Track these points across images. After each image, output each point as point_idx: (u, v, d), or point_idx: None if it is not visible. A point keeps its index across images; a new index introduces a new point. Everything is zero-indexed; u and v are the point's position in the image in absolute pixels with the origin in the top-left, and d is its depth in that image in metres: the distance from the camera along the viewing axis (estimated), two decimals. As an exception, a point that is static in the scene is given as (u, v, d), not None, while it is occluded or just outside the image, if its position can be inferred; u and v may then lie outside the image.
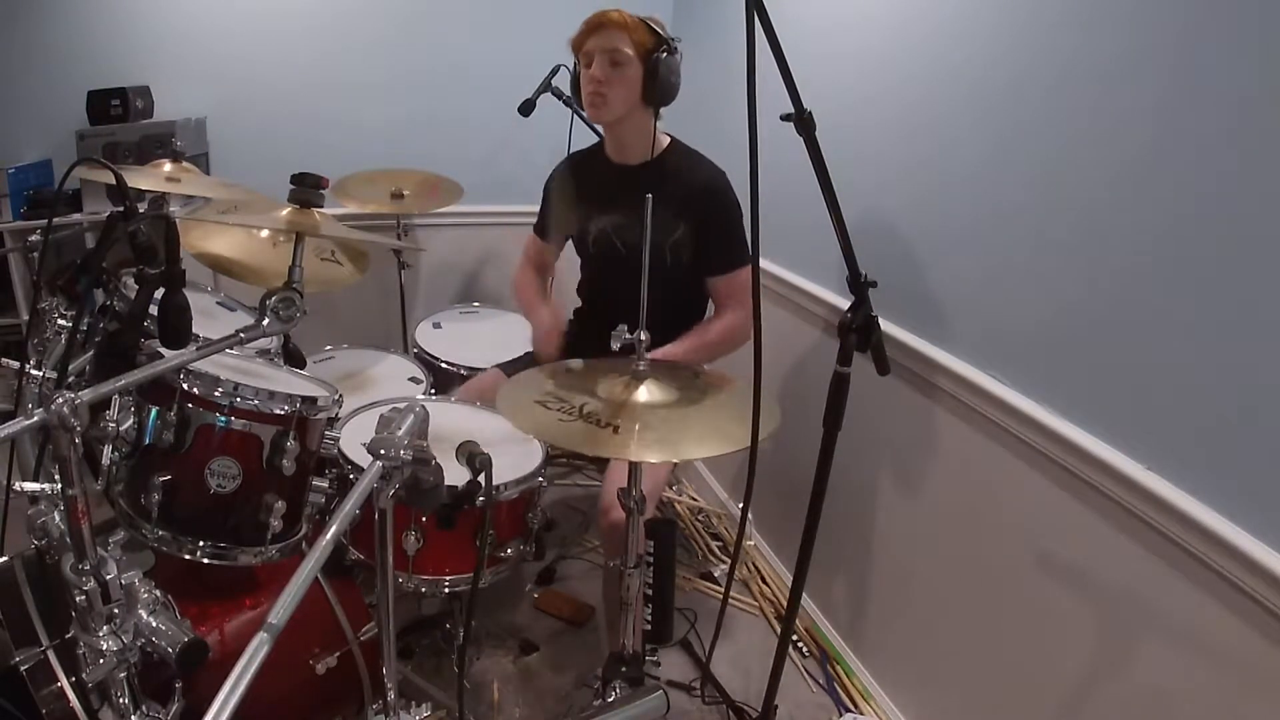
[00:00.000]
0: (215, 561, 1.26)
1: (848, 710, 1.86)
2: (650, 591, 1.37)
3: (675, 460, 1.81)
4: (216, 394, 1.22)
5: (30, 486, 1.19)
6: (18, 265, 2.29)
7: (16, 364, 1.43)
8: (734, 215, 1.77)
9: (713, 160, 1.83)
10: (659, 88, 1.71)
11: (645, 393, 1.27)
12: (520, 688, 1.88)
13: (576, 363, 1.49)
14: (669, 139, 1.86)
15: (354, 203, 2.47)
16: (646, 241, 1.27)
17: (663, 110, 1.81)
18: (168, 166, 1.93)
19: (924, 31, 1.66)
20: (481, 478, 1.10)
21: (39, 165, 2.40)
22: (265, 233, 2.04)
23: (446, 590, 1.54)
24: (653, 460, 1.20)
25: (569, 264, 2.11)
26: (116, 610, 0.96)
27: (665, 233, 1.78)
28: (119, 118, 2.32)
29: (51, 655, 1.08)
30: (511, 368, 1.95)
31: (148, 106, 2.44)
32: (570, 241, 2.03)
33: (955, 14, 1.57)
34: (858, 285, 1.23)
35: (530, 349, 2.03)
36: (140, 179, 1.70)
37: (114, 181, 1.07)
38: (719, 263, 1.80)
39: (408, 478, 0.88)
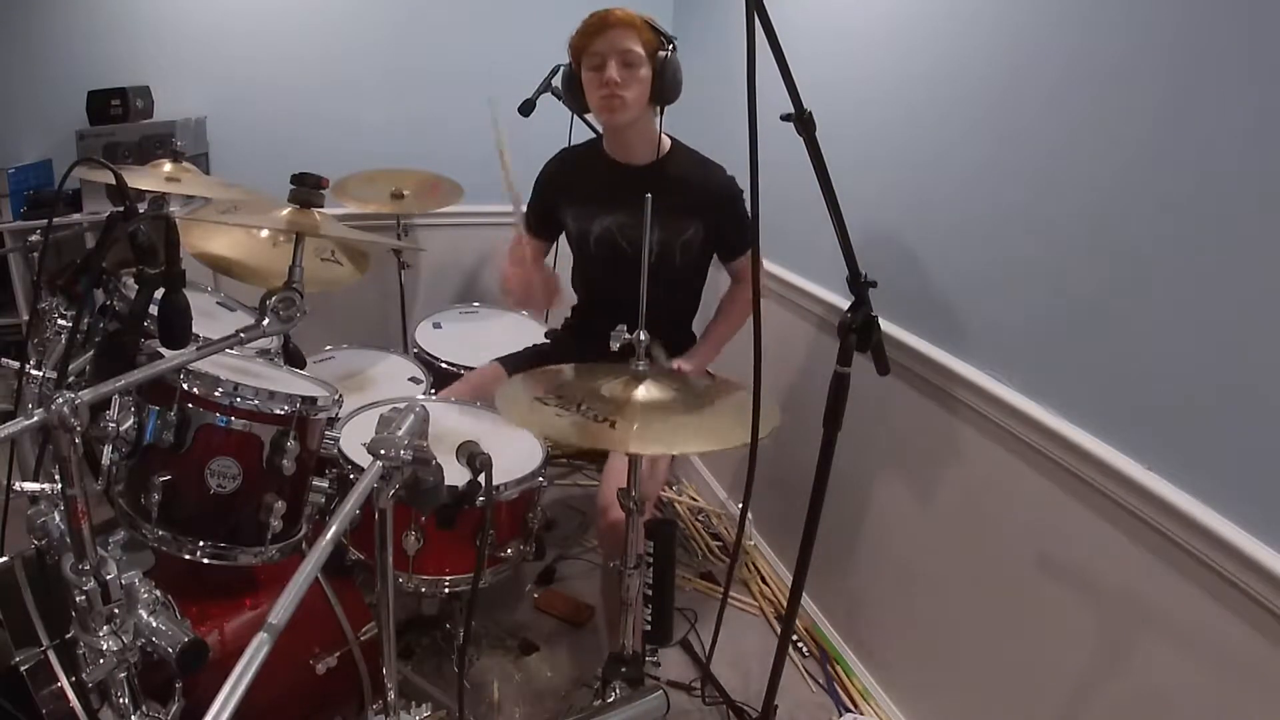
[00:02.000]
0: (215, 561, 1.26)
1: (848, 710, 1.86)
2: (650, 592, 1.37)
3: (673, 452, 1.81)
4: (216, 394, 1.22)
5: (30, 486, 1.20)
6: (18, 265, 2.29)
7: (16, 364, 1.43)
8: (744, 207, 1.80)
9: (714, 159, 1.84)
10: (666, 87, 1.70)
11: (644, 392, 1.28)
12: (520, 688, 1.88)
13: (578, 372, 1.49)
14: (670, 139, 1.86)
15: (354, 203, 2.47)
16: (646, 241, 1.27)
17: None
18: (168, 166, 1.93)
19: (924, 32, 1.66)
20: (481, 478, 1.10)
21: (39, 165, 2.41)
22: (265, 233, 2.03)
23: (446, 590, 1.54)
24: (651, 452, 1.20)
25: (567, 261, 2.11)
26: (116, 610, 0.95)
27: (675, 232, 1.79)
28: (119, 118, 2.32)
29: (51, 655, 1.08)
30: (511, 363, 1.95)
31: (148, 106, 2.44)
32: (566, 241, 2.03)
33: (955, 14, 1.57)
34: (858, 285, 1.23)
35: (536, 342, 2.04)
36: (140, 179, 1.70)
37: (114, 181, 1.07)
38: (738, 248, 1.87)
39: (408, 478, 0.88)
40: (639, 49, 1.66)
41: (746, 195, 1.05)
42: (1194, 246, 1.14)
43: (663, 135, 1.83)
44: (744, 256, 1.87)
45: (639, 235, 1.84)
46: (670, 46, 1.70)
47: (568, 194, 1.95)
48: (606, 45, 1.66)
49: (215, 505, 1.24)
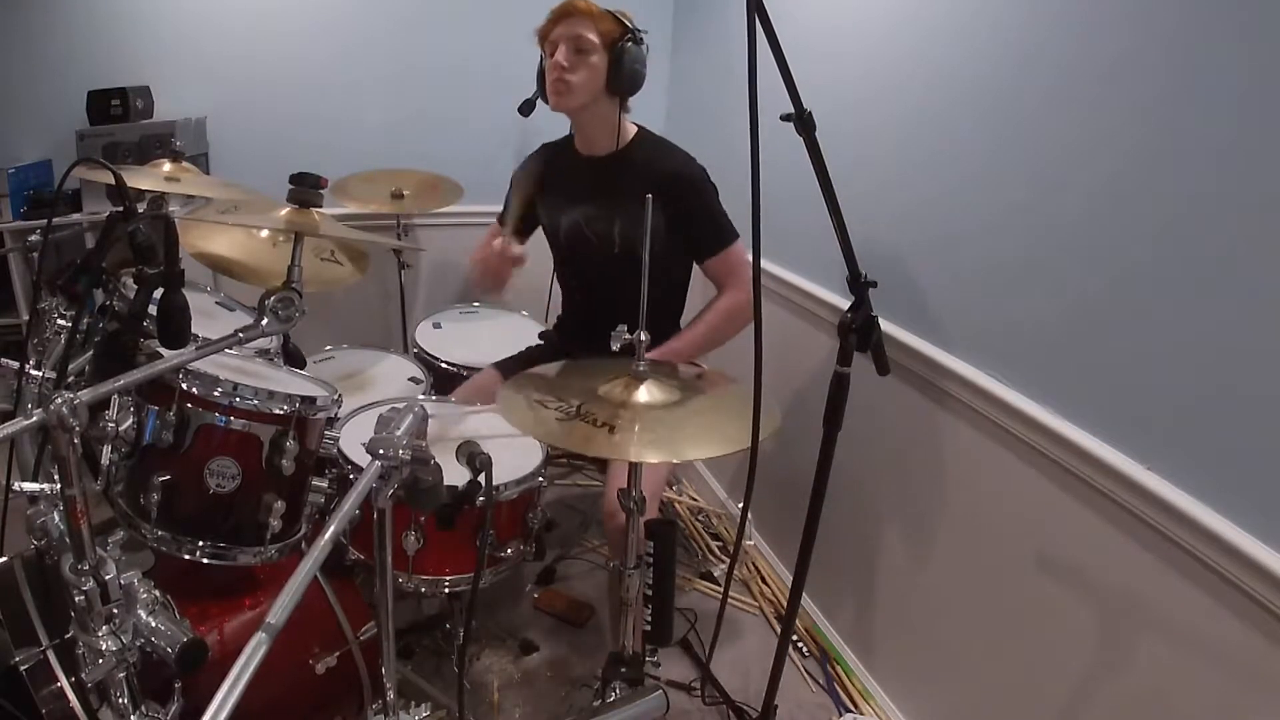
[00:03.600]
0: (215, 561, 1.26)
1: (848, 710, 1.86)
2: (650, 592, 1.37)
3: (674, 460, 1.81)
4: (216, 394, 1.22)
5: (30, 486, 1.19)
6: (18, 265, 2.29)
7: (16, 364, 1.43)
8: (710, 197, 1.77)
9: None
10: (623, 76, 1.70)
11: (644, 393, 1.27)
12: (520, 688, 1.88)
13: (577, 373, 1.49)
14: (636, 129, 1.84)
15: (354, 203, 2.47)
16: (646, 241, 1.27)
17: (648, 104, 1.79)
18: (167, 166, 1.93)
19: (924, 32, 1.66)
20: (481, 478, 1.10)
21: (39, 165, 2.40)
22: (265, 233, 2.04)
23: (446, 590, 1.54)
24: (650, 460, 1.20)
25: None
26: (116, 610, 0.96)
27: (636, 224, 1.77)
28: (119, 118, 2.32)
29: (51, 655, 1.08)
30: (508, 366, 1.94)
31: (148, 106, 2.44)
32: (544, 235, 2.02)
33: (955, 14, 1.57)
34: (858, 285, 1.23)
35: (533, 344, 2.03)
36: (140, 179, 1.70)
37: (114, 181, 1.07)
38: (708, 245, 1.79)
39: (407, 478, 0.88)
40: (593, 36, 1.67)
41: (747, 195, 1.04)
42: (1193, 246, 1.14)
43: (627, 125, 1.81)
44: (717, 258, 1.79)
45: (605, 228, 1.84)
46: (632, 38, 1.69)
47: (540, 189, 1.94)
48: (560, 32, 1.69)
49: (215, 505, 1.24)
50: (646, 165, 1.77)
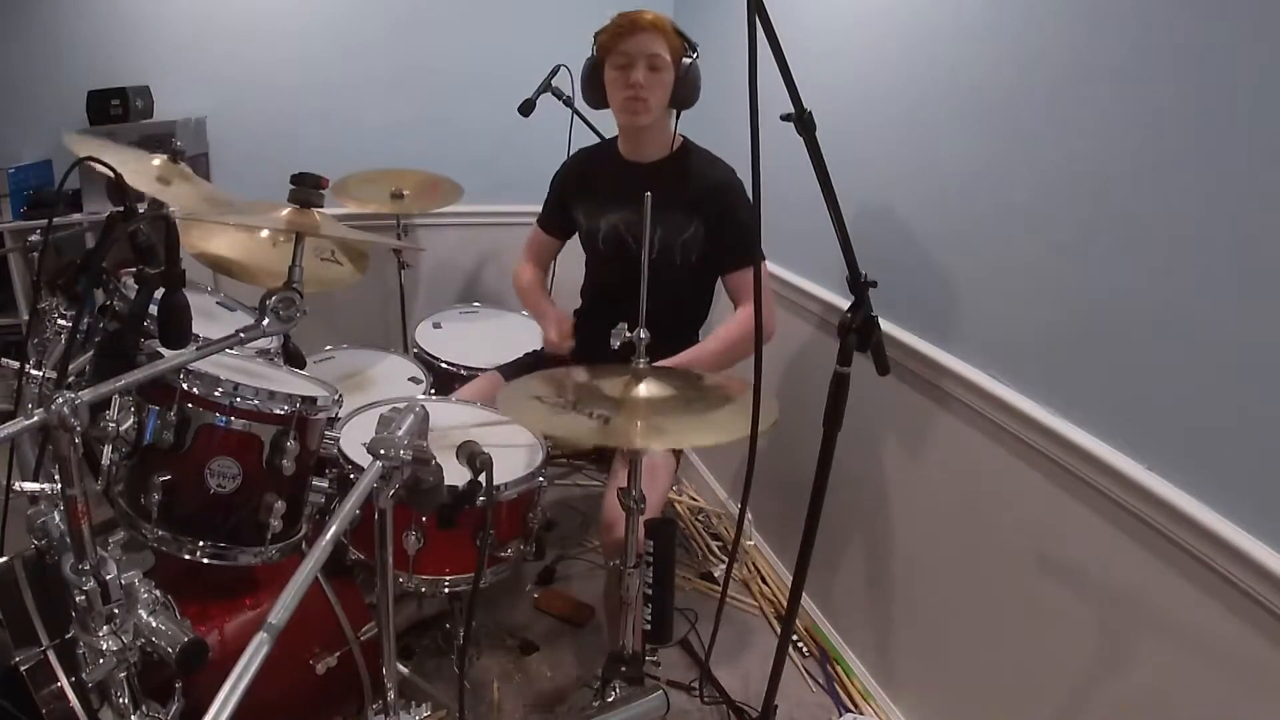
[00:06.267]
0: (215, 561, 1.26)
1: (848, 710, 1.86)
2: (650, 591, 1.37)
3: (672, 447, 1.80)
4: (216, 394, 1.22)
5: (30, 486, 1.20)
6: (18, 265, 2.29)
7: (16, 364, 1.43)
8: (748, 212, 1.76)
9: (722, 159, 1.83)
10: (688, 93, 1.72)
11: (644, 389, 1.28)
12: (520, 688, 1.88)
13: (579, 371, 1.49)
14: (681, 137, 1.86)
15: (354, 203, 2.47)
16: (646, 239, 1.27)
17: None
18: (156, 161, 1.88)
19: (925, 31, 1.66)
20: (482, 477, 1.10)
21: (39, 165, 2.40)
22: (265, 233, 2.03)
23: (446, 590, 1.54)
24: (648, 445, 1.20)
25: (576, 261, 2.11)
26: (116, 610, 0.96)
27: (676, 231, 1.78)
28: (119, 118, 2.31)
29: (51, 655, 1.08)
30: (510, 370, 1.95)
31: (148, 106, 2.43)
32: (579, 239, 2.03)
33: (956, 14, 1.57)
34: (858, 285, 1.23)
35: (534, 349, 2.03)
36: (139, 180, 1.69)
37: (113, 179, 1.07)
38: (735, 259, 1.79)
39: (408, 478, 0.88)
40: (665, 54, 1.67)
41: (747, 195, 1.04)
42: (1194, 247, 1.14)
43: (676, 135, 1.83)
44: (742, 271, 1.78)
45: (644, 232, 1.84)
46: (694, 53, 1.71)
47: (580, 191, 1.95)
48: (635, 48, 1.67)
49: (215, 505, 1.25)
50: (693, 175, 1.79)
